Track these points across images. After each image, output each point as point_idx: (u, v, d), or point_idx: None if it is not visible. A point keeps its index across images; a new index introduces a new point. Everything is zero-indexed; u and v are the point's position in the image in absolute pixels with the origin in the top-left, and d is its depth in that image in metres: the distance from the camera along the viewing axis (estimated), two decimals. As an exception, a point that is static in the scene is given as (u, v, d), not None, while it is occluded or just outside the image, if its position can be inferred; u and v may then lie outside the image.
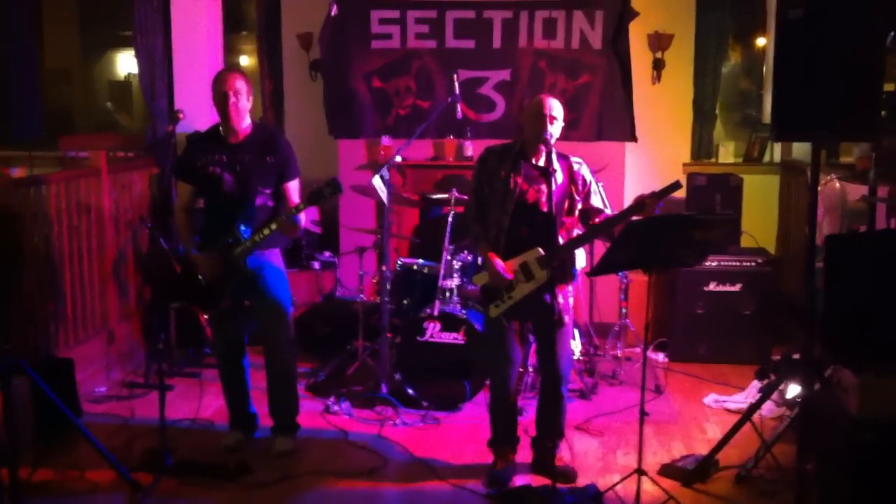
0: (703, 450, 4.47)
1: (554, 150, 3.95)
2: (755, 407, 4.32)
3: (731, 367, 5.92)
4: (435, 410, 5.07)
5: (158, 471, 4.18)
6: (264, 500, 4.10)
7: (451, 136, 6.68)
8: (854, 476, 3.40)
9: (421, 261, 5.71)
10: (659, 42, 6.75)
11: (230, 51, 8.15)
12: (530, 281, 3.92)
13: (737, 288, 6.03)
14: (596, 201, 4.11)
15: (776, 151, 7.03)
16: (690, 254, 3.69)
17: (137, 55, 7.31)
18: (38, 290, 5.13)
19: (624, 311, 5.88)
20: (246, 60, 8.78)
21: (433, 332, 5.15)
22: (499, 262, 3.95)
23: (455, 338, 5.12)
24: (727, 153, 7.13)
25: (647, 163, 6.80)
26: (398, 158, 5.63)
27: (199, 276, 4.34)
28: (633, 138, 6.58)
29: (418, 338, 5.16)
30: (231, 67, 4.56)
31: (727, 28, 7.10)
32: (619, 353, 5.90)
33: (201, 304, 4.44)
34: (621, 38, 6.52)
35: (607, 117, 6.60)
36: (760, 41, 7.24)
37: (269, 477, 4.27)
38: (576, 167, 4.09)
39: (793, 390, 4.65)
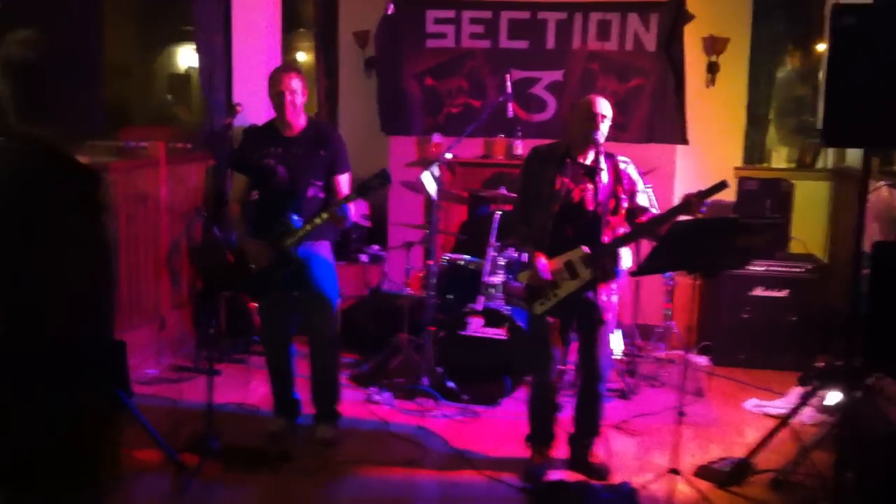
0: (741, 453, 4.47)
1: (601, 149, 4.00)
2: (794, 412, 4.30)
3: (774, 373, 5.90)
4: (474, 404, 5.14)
5: (204, 454, 4.30)
6: (304, 487, 4.20)
7: (502, 135, 6.73)
8: (891, 489, 3.38)
9: (467, 257, 5.78)
10: (714, 46, 6.73)
11: (288, 48, 8.30)
12: (575, 279, 3.97)
13: (784, 294, 6.00)
14: (642, 200, 4.14)
15: (829, 158, 6.96)
16: (733, 259, 3.71)
17: (198, 50, 7.49)
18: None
19: (668, 312, 5.89)
20: (303, 57, 8.92)
21: (476, 327, 5.21)
22: (542, 261, 4.00)
23: (497, 333, 5.18)
24: (780, 158, 7.09)
25: (699, 166, 6.78)
26: (448, 156, 5.72)
27: (251, 265, 4.46)
28: (685, 141, 6.58)
29: (461, 332, 5.23)
30: (288, 65, 4.68)
31: (783, 34, 7.05)
32: (661, 354, 5.91)
33: (252, 292, 4.59)
34: (675, 41, 6.53)
35: (658, 120, 6.61)
36: (819, 47, 7.17)
37: (309, 465, 4.37)
38: (622, 166, 4.12)
39: (833, 397, 4.62)
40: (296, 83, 4.41)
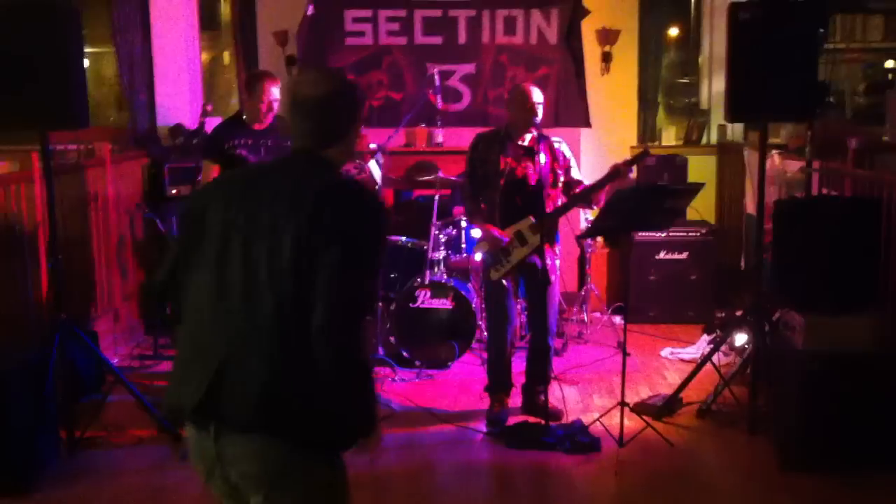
0: (667, 391, 5.19)
1: (539, 131, 4.62)
2: (711, 353, 5.04)
3: (681, 326, 6.68)
4: (428, 369, 5.69)
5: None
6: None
7: (423, 125, 7.26)
8: (802, 400, 4.12)
9: (404, 238, 6.29)
10: (607, 37, 7.45)
11: (206, 47, 8.59)
12: (524, 246, 4.57)
13: (684, 256, 6.79)
14: (575, 174, 4.79)
15: (713, 134, 7.81)
16: (662, 219, 4.38)
17: (117, 52, 7.73)
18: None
19: (588, 277, 6.58)
20: (220, 57, 9.21)
21: (424, 298, 5.75)
22: (495, 230, 4.59)
23: (444, 303, 5.73)
24: (669, 136, 7.91)
25: (600, 146, 7.50)
26: (372, 146, 6.19)
27: None
28: (588, 124, 7.28)
29: (411, 304, 5.76)
30: (270, 73, 5.14)
31: (666, 25, 7.85)
32: (584, 316, 6.59)
33: None
34: (574, 33, 7.22)
35: (563, 106, 7.28)
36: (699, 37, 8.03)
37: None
38: (556, 145, 4.75)
39: (740, 339, 5.38)
40: (277, 90, 4.89)
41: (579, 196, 4.69)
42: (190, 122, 7.80)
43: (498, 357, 4.87)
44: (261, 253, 2.16)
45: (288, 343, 2.13)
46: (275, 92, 4.95)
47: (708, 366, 5.49)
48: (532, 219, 4.56)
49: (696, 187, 4.34)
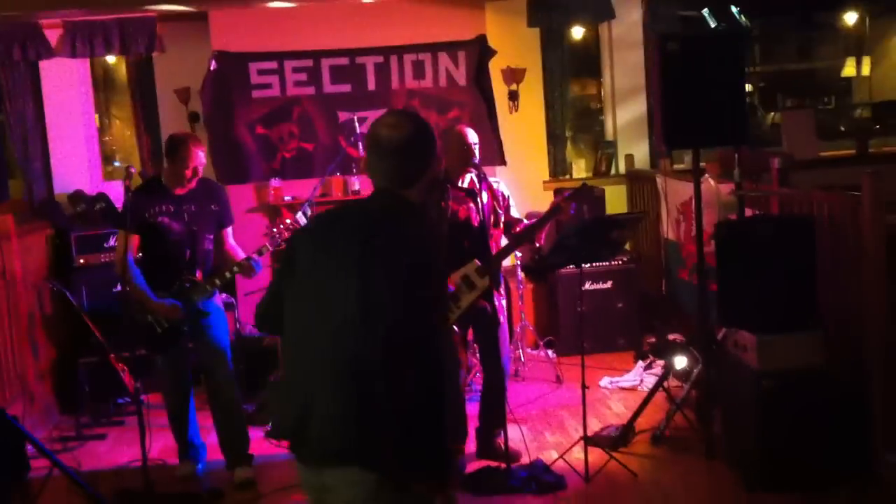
0: (616, 421, 5.20)
1: (478, 172, 4.59)
2: (662, 380, 5.09)
3: (612, 354, 6.73)
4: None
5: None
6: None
7: (338, 174, 7.16)
8: (761, 419, 4.17)
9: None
10: (513, 76, 7.54)
11: (102, 109, 8.29)
12: (473, 290, 4.50)
13: (608, 285, 6.86)
14: (514, 213, 4.78)
15: (621, 165, 7.97)
16: (607, 251, 4.40)
17: (8, 120, 7.38)
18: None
19: (522, 314, 6.57)
20: (117, 118, 8.91)
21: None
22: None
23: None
24: (579, 169, 8.03)
25: (514, 182, 7.50)
26: (287, 198, 6.04)
27: (152, 320, 4.65)
28: (503, 162, 7.32)
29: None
30: (195, 137, 4.92)
31: (567, 62, 8.01)
32: (520, 353, 6.56)
33: (158, 348, 4.75)
34: (483, 74, 7.27)
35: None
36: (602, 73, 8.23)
37: (245, 498, 4.60)
38: (495, 185, 4.74)
39: (679, 363, 5.44)
40: (203, 154, 4.68)
41: (522, 235, 4.67)
42: (89, 188, 7.51)
43: (454, 405, 4.76)
44: (342, 290, 2.29)
45: (366, 376, 2.24)
46: (200, 156, 4.72)
47: (644, 392, 5.58)
48: (477, 262, 4.51)
49: (639, 216, 4.39)
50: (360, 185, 7.19)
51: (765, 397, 4.15)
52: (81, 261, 6.52)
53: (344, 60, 7.20)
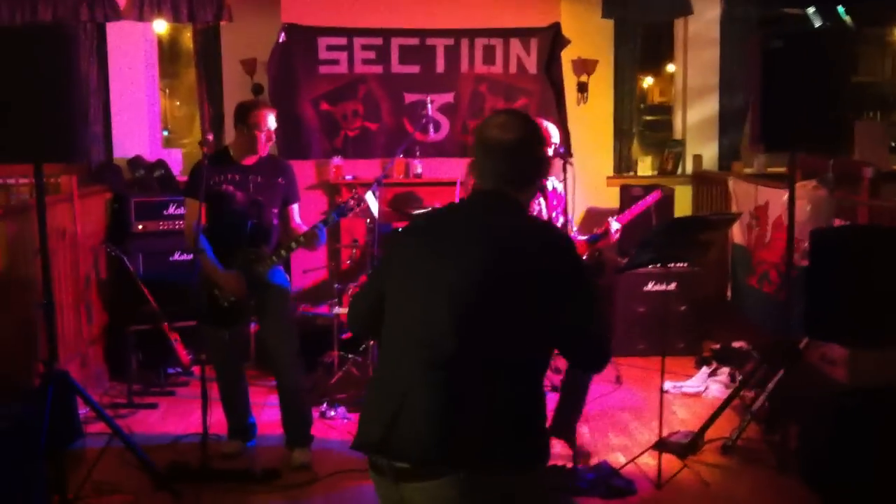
0: (680, 427, 5.05)
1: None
2: (738, 390, 4.93)
3: (671, 358, 6.52)
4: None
5: (194, 479, 4.33)
6: (313, 499, 4.33)
7: (400, 156, 7.02)
8: (841, 436, 3.99)
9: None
10: (584, 67, 7.36)
11: (167, 76, 8.21)
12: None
13: (672, 287, 6.68)
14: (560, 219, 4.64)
15: (688, 165, 7.78)
16: (698, 252, 4.24)
17: (71, 81, 7.30)
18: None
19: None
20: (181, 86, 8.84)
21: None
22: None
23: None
24: (644, 166, 7.84)
25: (577, 176, 7.32)
26: (349, 177, 5.88)
27: (218, 293, 4.53)
28: (569, 153, 7.14)
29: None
30: (265, 102, 4.83)
31: (640, 56, 7.82)
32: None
33: (224, 323, 4.63)
34: (554, 63, 7.10)
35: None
36: (669, 67, 8.01)
37: (300, 479, 4.49)
38: (549, 185, 4.59)
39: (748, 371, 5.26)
40: (273, 121, 4.57)
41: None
42: (148, 155, 7.43)
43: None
44: (446, 289, 2.21)
45: (465, 380, 2.17)
46: (271, 119, 4.62)
47: (714, 399, 5.41)
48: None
49: (732, 218, 4.21)
50: (423, 168, 7.06)
51: (851, 415, 3.97)
52: (139, 227, 6.43)
53: (414, 41, 7.06)
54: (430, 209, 2.50)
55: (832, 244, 4.14)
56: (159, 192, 6.82)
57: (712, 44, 7.65)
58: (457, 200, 6.21)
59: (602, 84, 7.56)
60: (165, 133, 9.58)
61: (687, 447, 4.71)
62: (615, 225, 4.42)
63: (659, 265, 4.48)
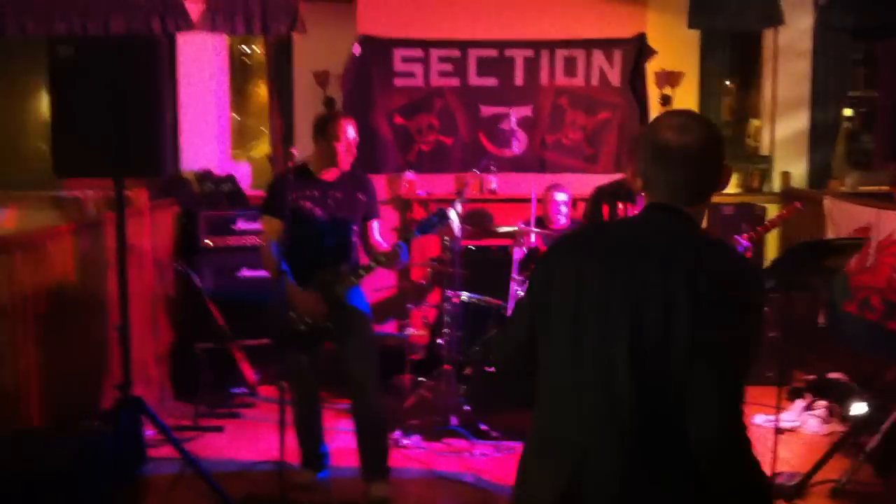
0: (783, 467, 4.70)
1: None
2: (854, 432, 4.57)
3: (759, 388, 6.14)
4: (506, 440, 5.13)
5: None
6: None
7: (475, 171, 6.76)
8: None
9: (465, 294, 5.74)
10: (668, 79, 7.03)
11: (237, 89, 8.09)
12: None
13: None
14: None
15: (776, 181, 7.40)
16: (821, 278, 3.90)
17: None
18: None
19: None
20: (251, 99, 8.72)
21: (502, 363, 5.20)
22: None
23: (524, 368, 5.19)
24: (730, 183, 7.46)
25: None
26: (421, 192, 5.64)
27: (299, 317, 4.31)
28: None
29: (487, 369, 5.22)
30: (345, 113, 4.65)
31: (726, 68, 7.46)
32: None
33: (301, 346, 4.40)
34: (639, 75, 6.80)
35: (626, 151, 6.83)
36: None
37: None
38: None
39: (857, 408, 4.90)
40: (353, 132, 4.35)
41: None
42: (217, 168, 7.28)
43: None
44: (623, 322, 1.87)
45: (651, 430, 1.85)
46: (352, 131, 4.40)
47: (813, 435, 5.07)
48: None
49: (860, 242, 3.87)
50: (497, 184, 6.79)
51: None
52: (208, 242, 6.27)
53: (493, 52, 6.81)
54: (581, 226, 2.09)
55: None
56: (228, 207, 6.66)
57: (804, 55, 7.26)
58: (533, 218, 5.95)
59: (687, 96, 7.21)
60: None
61: (793, 490, 4.35)
62: (742, 244, 4.10)
63: (787, 292, 4.08)
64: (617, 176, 6.28)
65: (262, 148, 8.57)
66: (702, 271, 1.84)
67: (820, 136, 7.26)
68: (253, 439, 5.27)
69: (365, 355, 4.44)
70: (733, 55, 7.57)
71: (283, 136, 7.41)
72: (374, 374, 4.47)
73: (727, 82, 7.72)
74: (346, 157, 4.40)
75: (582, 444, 1.91)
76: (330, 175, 4.45)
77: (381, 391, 4.59)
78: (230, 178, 7.02)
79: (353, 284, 4.38)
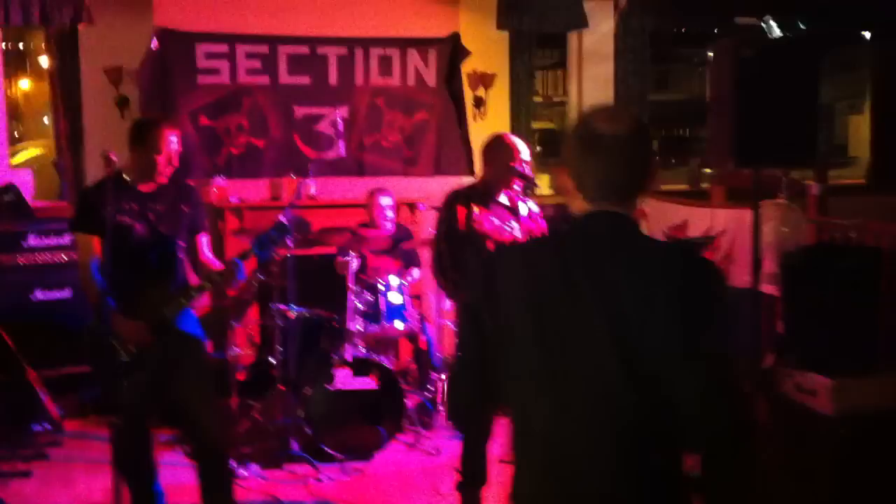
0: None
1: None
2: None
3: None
4: (350, 461, 4.84)
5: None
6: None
7: (291, 175, 6.38)
8: (835, 469, 3.76)
9: (296, 308, 5.37)
10: (482, 80, 6.98)
11: (11, 87, 7.21)
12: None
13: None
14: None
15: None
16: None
17: None
18: None
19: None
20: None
21: (343, 378, 4.91)
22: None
23: (367, 382, 4.93)
24: (544, 184, 7.54)
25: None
26: (233, 199, 5.23)
27: (117, 343, 3.81)
28: (472, 172, 6.74)
29: (328, 387, 4.89)
30: (167, 119, 4.12)
31: (535, 67, 7.51)
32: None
33: (127, 375, 3.88)
34: (455, 76, 6.70)
35: (445, 153, 6.74)
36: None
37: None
38: (534, 207, 4.21)
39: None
40: (176, 142, 3.88)
41: None
42: (-7, 177, 6.45)
43: (478, 447, 4.15)
44: (603, 333, 1.76)
45: (642, 452, 1.77)
46: (174, 141, 3.92)
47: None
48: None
49: (709, 240, 3.94)
50: (316, 188, 6.45)
51: (844, 446, 3.75)
52: (-9, 262, 5.51)
53: (304, 49, 6.46)
54: (528, 240, 1.86)
55: (805, 266, 3.92)
56: (12, 220, 5.89)
57: (607, 59, 7.46)
58: (365, 224, 5.70)
59: (498, 99, 7.19)
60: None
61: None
62: None
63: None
64: (450, 179, 6.19)
65: (32, 152, 7.73)
66: (671, 271, 1.80)
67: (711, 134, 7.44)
68: (67, 482, 4.66)
69: (199, 387, 3.99)
70: (545, 56, 7.66)
71: (69, 140, 6.67)
72: (210, 406, 4.04)
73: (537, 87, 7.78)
74: (166, 170, 3.92)
75: (568, 468, 1.82)
76: (148, 186, 3.95)
77: (225, 423, 4.16)
78: (11, 188, 6.23)
79: (182, 307, 3.91)
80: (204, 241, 4.11)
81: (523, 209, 4.14)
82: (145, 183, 3.93)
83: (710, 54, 4.30)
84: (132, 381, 3.91)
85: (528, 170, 4.00)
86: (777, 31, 4.20)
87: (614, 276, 1.78)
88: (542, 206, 6.30)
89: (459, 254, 4.02)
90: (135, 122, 4.08)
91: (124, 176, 3.95)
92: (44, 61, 6.95)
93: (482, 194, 4.07)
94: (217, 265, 4.02)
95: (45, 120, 7.57)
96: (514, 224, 4.08)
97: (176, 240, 3.99)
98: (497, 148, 4.08)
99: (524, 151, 4.01)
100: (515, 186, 4.09)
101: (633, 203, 1.91)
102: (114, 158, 3.73)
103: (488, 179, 4.11)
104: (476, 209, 4.04)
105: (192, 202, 4.07)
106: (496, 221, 4.04)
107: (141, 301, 3.82)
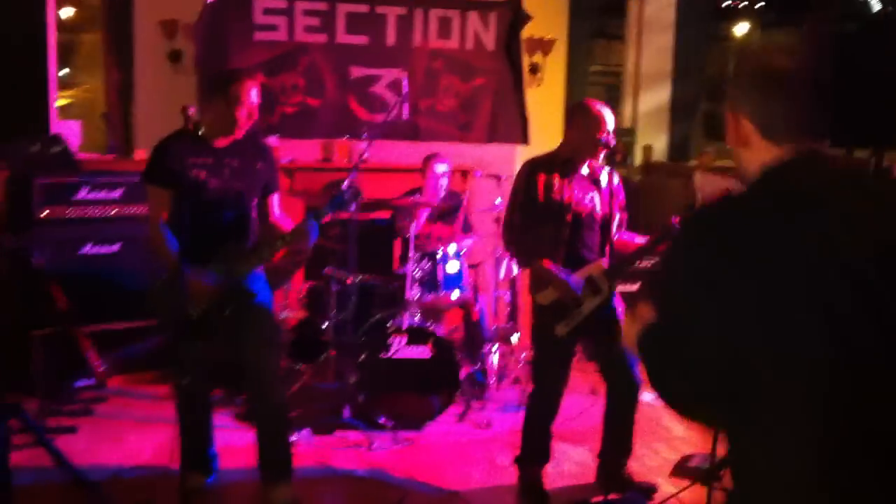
0: (683, 447, 4.65)
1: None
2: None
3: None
4: (401, 430, 4.78)
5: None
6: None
7: (347, 137, 6.28)
8: None
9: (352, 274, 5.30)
10: (540, 46, 6.83)
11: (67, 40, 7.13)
12: (597, 295, 3.81)
13: (635, 287, 6.27)
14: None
15: (637, 156, 7.41)
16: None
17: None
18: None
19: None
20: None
21: (399, 347, 4.83)
22: (574, 277, 3.80)
23: (422, 351, 4.84)
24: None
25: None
26: (284, 160, 5.18)
27: (186, 302, 3.73)
28: (526, 140, 6.62)
29: (382, 355, 4.82)
30: (250, 72, 4.00)
31: (595, 35, 7.35)
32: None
33: (194, 336, 3.82)
34: (514, 41, 6.54)
35: (500, 120, 6.60)
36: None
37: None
38: (616, 179, 4.06)
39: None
40: (256, 94, 3.77)
41: (646, 248, 3.96)
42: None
43: (544, 424, 4.07)
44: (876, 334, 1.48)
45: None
46: (255, 95, 3.82)
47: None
48: (604, 263, 3.83)
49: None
50: (369, 152, 6.32)
51: None
52: (45, 213, 5.43)
53: (363, 7, 6.33)
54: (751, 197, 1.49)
55: None
56: (58, 172, 5.80)
57: (667, 28, 7.28)
58: (418, 189, 5.59)
59: (555, 66, 7.04)
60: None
61: (710, 472, 4.28)
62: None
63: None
64: (504, 147, 6.05)
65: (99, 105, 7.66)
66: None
67: (681, 111, 7.32)
68: (115, 440, 4.61)
69: (267, 348, 3.91)
70: (603, 25, 7.48)
71: (121, 93, 6.60)
72: (276, 370, 3.97)
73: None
74: (246, 124, 3.82)
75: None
76: (223, 141, 3.86)
77: (285, 387, 4.10)
78: (59, 139, 6.14)
79: (255, 266, 3.85)
80: (275, 199, 4.03)
81: (604, 180, 3.98)
82: (221, 138, 3.83)
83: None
84: (199, 341, 3.86)
85: (612, 140, 3.85)
86: (877, 4, 3.98)
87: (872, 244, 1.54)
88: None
89: (535, 225, 3.89)
90: (216, 73, 3.98)
91: (199, 131, 3.87)
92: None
93: (564, 164, 3.93)
94: (289, 225, 3.94)
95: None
96: (596, 196, 3.93)
97: (250, 197, 3.91)
98: (583, 116, 3.90)
99: (610, 121, 3.86)
100: (599, 157, 3.93)
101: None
102: (191, 111, 3.63)
103: (572, 149, 3.95)
104: (556, 179, 3.91)
105: (267, 160, 3.99)
106: (577, 193, 3.90)
107: (213, 258, 3.75)
